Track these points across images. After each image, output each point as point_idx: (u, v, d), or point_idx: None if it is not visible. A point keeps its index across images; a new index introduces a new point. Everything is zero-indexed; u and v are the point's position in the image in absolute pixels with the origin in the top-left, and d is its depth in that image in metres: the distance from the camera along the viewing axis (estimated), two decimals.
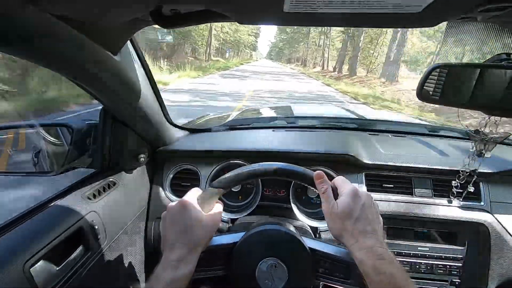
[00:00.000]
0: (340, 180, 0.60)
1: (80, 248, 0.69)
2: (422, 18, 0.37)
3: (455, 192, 0.94)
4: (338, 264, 0.63)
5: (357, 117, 1.77)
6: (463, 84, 0.62)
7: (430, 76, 0.63)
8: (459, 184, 0.91)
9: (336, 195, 0.58)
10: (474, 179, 0.87)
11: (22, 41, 0.34)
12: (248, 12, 0.39)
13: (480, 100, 0.61)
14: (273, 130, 1.28)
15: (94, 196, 0.78)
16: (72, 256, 0.66)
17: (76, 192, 0.76)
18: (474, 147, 0.72)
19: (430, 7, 0.33)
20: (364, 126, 1.45)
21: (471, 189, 0.89)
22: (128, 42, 0.60)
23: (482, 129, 0.71)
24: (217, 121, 1.65)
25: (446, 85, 0.62)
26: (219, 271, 0.64)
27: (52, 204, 0.70)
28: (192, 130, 1.24)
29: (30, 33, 0.33)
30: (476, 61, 0.63)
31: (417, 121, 1.85)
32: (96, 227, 0.73)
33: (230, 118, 1.60)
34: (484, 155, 0.71)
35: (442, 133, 1.38)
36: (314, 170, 0.67)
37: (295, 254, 0.63)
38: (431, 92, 0.64)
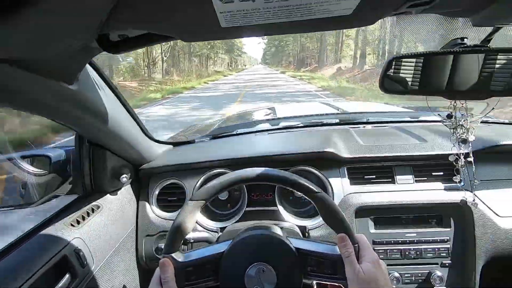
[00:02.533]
0: (361, 243, 0.62)
1: (67, 276, 0.69)
2: (355, 19, 0.38)
3: (459, 179, 0.93)
4: (325, 261, 0.64)
5: (338, 112, 1.79)
6: (422, 73, 0.64)
7: (390, 68, 0.65)
8: (460, 168, 0.88)
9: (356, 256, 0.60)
10: (472, 160, 0.84)
11: None
12: (190, 31, 0.40)
13: (440, 86, 0.63)
14: (256, 135, 1.29)
15: (78, 222, 0.78)
16: (59, 285, 0.66)
17: (58, 220, 0.75)
18: (454, 134, 0.72)
19: (359, 9, 0.35)
20: (345, 120, 1.48)
21: (473, 169, 0.87)
22: (88, 66, 0.60)
23: (454, 113, 0.71)
24: (200, 132, 1.66)
25: (406, 75, 0.64)
26: (210, 282, 0.65)
27: (35, 234, 0.70)
28: (175, 144, 1.25)
29: None
30: (432, 49, 0.65)
31: (400, 109, 1.88)
32: (81, 253, 0.73)
33: (213, 128, 1.61)
34: (468, 141, 0.71)
35: (422, 118, 1.41)
36: (297, 171, 0.69)
37: (282, 256, 0.63)
38: (392, 84, 0.66)
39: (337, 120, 1.46)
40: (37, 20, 0.27)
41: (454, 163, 0.80)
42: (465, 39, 0.65)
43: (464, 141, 0.70)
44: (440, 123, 1.30)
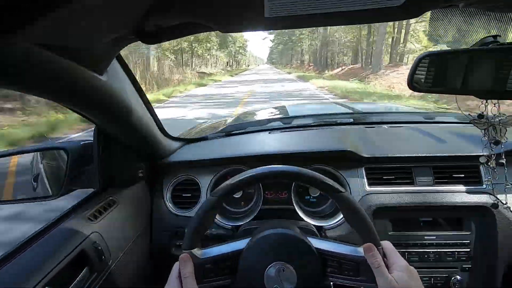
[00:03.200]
0: (388, 250, 0.60)
1: (85, 270, 0.68)
2: (404, 11, 0.37)
3: (487, 179, 0.90)
4: (347, 262, 0.62)
5: (352, 112, 1.77)
6: (453, 71, 0.62)
7: (420, 65, 0.63)
8: (490, 170, 0.84)
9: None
10: (504, 162, 0.81)
11: (3, 72, 0.33)
12: (230, 21, 0.39)
13: (471, 85, 0.61)
14: (269, 132, 1.28)
15: (95, 216, 0.78)
16: (78, 279, 0.65)
17: (76, 214, 0.75)
18: (486, 135, 0.69)
19: (410, 0, 0.33)
20: (359, 119, 1.46)
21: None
22: (115, 59, 0.60)
23: (485, 114, 0.68)
24: (212, 129, 1.65)
25: (436, 73, 0.62)
26: (228, 280, 0.64)
27: (53, 228, 0.69)
28: (189, 140, 1.24)
29: (11, 64, 0.33)
30: (464, 47, 0.63)
31: (412, 109, 1.85)
32: (100, 248, 0.73)
33: (225, 125, 1.61)
34: (501, 143, 0.68)
35: (437, 119, 1.38)
36: (315, 169, 0.67)
37: (302, 256, 0.62)
38: (422, 81, 0.64)
39: (352, 120, 1.44)
40: (86, 10, 0.27)
41: (485, 165, 0.77)
42: (497, 37, 0.63)
43: (497, 142, 0.67)
44: (456, 125, 1.29)
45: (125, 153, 0.89)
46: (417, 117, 1.48)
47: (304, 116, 1.68)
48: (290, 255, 0.62)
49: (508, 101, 0.66)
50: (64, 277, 0.62)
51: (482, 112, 0.66)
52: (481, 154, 0.82)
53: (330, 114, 1.64)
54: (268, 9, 0.34)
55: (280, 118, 1.67)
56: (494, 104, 0.64)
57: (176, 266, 0.62)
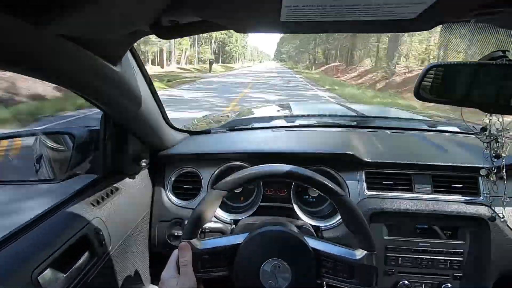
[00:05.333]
0: None
1: (86, 254, 0.70)
2: (417, 23, 0.38)
3: (486, 192, 0.92)
4: (342, 264, 0.64)
5: (355, 114, 1.77)
6: (460, 83, 0.62)
7: (427, 75, 0.63)
8: (490, 183, 0.83)
9: None
10: (505, 176, 0.80)
11: (24, 60, 0.34)
12: (246, 23, 0.40)
13: (476, 98, 0.62)
14: (273, 130, 1.29)
15: (98, 202, 0.79)
16: (78, 262, 0.67)
17: (80, 199, 0.76)
18: (488, 149, 0.70)
19: (424, 13, 0.34)
20: (363, 123, 1.46)
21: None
22: (128, 50, 0.60)
23: (488, 126, 0.69)
24: (215, 122, 1.66)
25: (443, 84, 0.63)
26: (223, 272, 0.66)
27: (57, 211, 0.71)
28: (192, 132, 1.25)
29: (36, 52, 0.34)
30: (472, 60, 0.64)
31: (417, 116, 1.85)
32: (101, 233, 0.74)
33: (229, 119, 1.61)
34: (503, 157, 0.69)
35: (440, 128, 1.39)
36: (315, 170, 0.69)
37: (299, 255, 0.64)
38: (428, 91, 0.64)
39: (355, 123, 1.45)
40: (113, 4, 0.28)
41: (486, 178, 0.78)
42: (507, 52, 0.64)
43: (498, 156, 0.68)
44: (459, 135, 1.30)
45: (130, 142, 0.90)
46: (420, 124, 1.48)
47: (307, 116, 1.69)
48: (287, 253, 0.64)
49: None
50: (65, 260, 0.64)
51: (486, 125, 0.67)
52: (482, 166, 0.83)
53: (334, 116, 1.64)
54: (285, 14, 0.35)
55: (284, 116, 1.68)
56: (498, 118, 0.65)
57: (175, 253, 0.64)
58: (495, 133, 0.66)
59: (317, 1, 0.30)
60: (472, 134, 0.74)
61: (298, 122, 1.49)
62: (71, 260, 0.66)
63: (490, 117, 0.65)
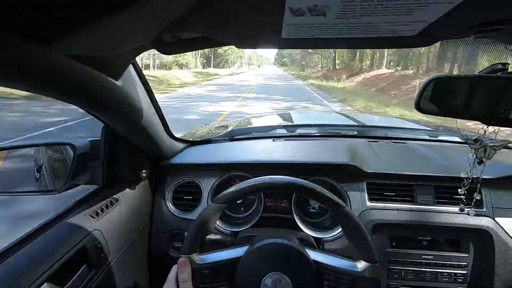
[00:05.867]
0: None
1: (84, 267, 0.69)
2: (416, 40, 0.38)
3: (464, 201, 0.93)
4: (343, 276, 0.63)
5: (356, 124, 1.78)
6: (460, 96, 0.62)
7: (428, 88, 0.64)
8: (465, 192, 0.90)
9: None
10: (478, 186, 0.87)
11: (25, 77, 0.35)
12: (247, 39, 0.40)
13: (476, 110, 0.62)
14: (273, 140, 1.29)
15: (97, 214, 0.79)
16: (76, 275, 0.66)
17: (79, 210, 0.76)
18: (474, 155, 0.74)
19: (424, 31, 0.34)
20: (364, 133, 1.46)
21: (478, 196, 0.89)
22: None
23: (481, 137, 0.72)
24: (216, 131, 1.66)
25: (443, 97, 0.63)
26: (224, 286, 0.65)
27: (55, 224, 0.70)
28: (192, 142, 1.25)
29: (37, 69, 0.35)
30: (472, 73, 0.64)
31: (418, 126, 1.85)
32: (100, 245, 0.74)
33: (229, 128, 1.62)
34: (484, 163, 0.72)
35: (442, 138, 1.39)
36: (316, 182, 0.69)
37: (300, 268, 0.63)
38: (429, 104, 0.65)
39: (356, 133, 1.44)
40: (117, 24, 0.28)
41: (462, 186, 0.83)
42: (507, 65, 0.64)
43: (481, 162, 0.71)
44: (460, 145, 1.29)
45: (131, 153, 0.90)
46: (422, 135, 1.48)
47: (308, 125, 1.69)
48: (288, 266, 0.63)
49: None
50: (63, 273, 0.63)
51: (479, 136, 0.68)
52: (483, 177, 0.85)
53: (335, 125, 1.64)
54: (286, 31, 0.35)
55: (285, 125, 1.68)
56: (494, 130, 0.65)
57: (174, 269, 0.63)
58: (487, 143, 0.68)
59: (317, 19, 0.31)
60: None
61: (298, 131, 1.49)
62: (69, 274, 0.65)
63: (487, 129, 0.65)
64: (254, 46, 0.43)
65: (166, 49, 0.43)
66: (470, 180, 0.84)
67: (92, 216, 0.77)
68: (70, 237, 0.68)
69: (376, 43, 0.40)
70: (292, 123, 1.82)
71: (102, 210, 0.81)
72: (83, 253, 0.69)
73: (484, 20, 0.34)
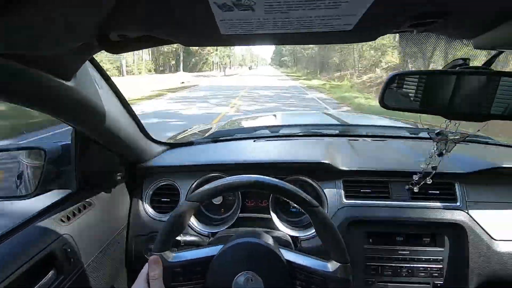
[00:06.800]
0: None
1: (52, 272, 0.68)
2: (356, 35, 0.38)
3: (414, 190, 0.96)
4: (315, 276, 0.63)
5: (339, 123, 1.79)
6: (421, 91, 0.63)
7: (390, 85, 0.64)
8: (419, 178, 0.94)
9: None
10: (433, 172, 0.90)
11: None
12: (189, 37, 0.40)
13: (437, 106, 0.63)
14: (254, 141, 1.29)
15: (68, 218, 0.78)
16: (43, 281, 0.65)
17: (49, 215, 0.75)
18: (436, 147, 0.76)
19: (360, 26, 0.35)
20: (344, 132, 1.47)
21: (429, 181, 0.92)
22: (87, 63, 0.60)
23: (444, 131, 0.74)
24: (201, 134, 1.66)
25: (404, 93, 0.64)
26: (197, 285, 0.64)
27: (22, 229, 0.69)
28: (173, 145, 1.24)
29: None
30: (434, 68, 0.66)
31: (400, 124, 1.87)
32: (69, 250, 0.72)
33: (213, 130, 1.62)
34: (443, 155, 0.75)
35: (422, 135, 1.40)
36: (293, 181, 0.68)
37: (271, 267, 0.63)
38: (392, 100, 0.65)
39: (337, 132, 1.46)
40: (37, 16, 0.28)
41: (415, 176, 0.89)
42: (467, 60, 0.66)
43: (441, 154, 0.73)
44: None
45: (104, 155, 0.89)
46: (403, 132, 1.50)
47: (291, 126, 1.69)
48: (260, 265, 0.63)
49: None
50: (29, 278, 0.62)
51: (441, 130, 0.69)
52: (461, 172, 0.90)
53: (317, 125, 1.65)
54: (224, 28, 0.36)
55: (268, 126, 1.68)
56: (455, 123, 0.67)
57: (146, 267, 0.63)
58: (448, 136, 0.70)
59: (248, 15, 0.31)
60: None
61: (281, 132, 1.49)
62: (35, 279, 0.64)
63: (449, 123, 0.67)
64: (198, 43, 0.43)
65: (114, 49, 0.43)
66: (424, 173, 0.91)
67: (62, 221, 0.75)
68: (37, 242, 0.67)
69: (319, 39, 0.40)
70: (276, 124, 1.83)
71: (73, 214, 0.80)
72: (51, 258, 0.68)
73: (413, 13, 0.34)
